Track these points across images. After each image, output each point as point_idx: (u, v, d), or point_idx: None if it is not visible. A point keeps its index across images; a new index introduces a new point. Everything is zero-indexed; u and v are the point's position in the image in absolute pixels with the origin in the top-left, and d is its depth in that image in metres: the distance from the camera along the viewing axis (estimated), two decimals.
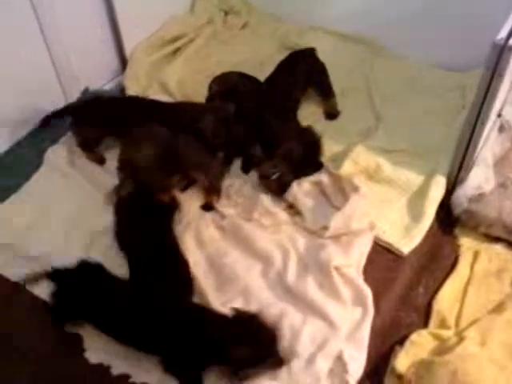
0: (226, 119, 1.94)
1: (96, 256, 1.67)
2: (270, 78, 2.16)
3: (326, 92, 2.19)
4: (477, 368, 1.42)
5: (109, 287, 1.52)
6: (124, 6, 2.26)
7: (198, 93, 2.23)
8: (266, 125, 1.98)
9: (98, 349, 1.53)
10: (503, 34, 1.49)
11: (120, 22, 2.29)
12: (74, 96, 2.25)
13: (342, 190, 1.84)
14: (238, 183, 1.91)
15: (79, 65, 2.22)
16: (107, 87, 2.36)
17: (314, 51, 2.21)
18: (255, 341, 1.37)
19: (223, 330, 1.39)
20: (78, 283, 1.52)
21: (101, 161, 2.03)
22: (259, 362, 1.39)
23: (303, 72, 2.14)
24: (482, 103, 1.62)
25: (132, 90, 2.29)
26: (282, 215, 1.81)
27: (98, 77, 2.33)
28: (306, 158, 1.88)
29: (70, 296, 1.52)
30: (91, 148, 2.03)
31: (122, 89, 2.33)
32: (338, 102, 2.21)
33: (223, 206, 1.84)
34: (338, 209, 1.80)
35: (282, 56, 2.24)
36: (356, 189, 1.83)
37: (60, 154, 2.04)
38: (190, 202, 1.87)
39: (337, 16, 2.50)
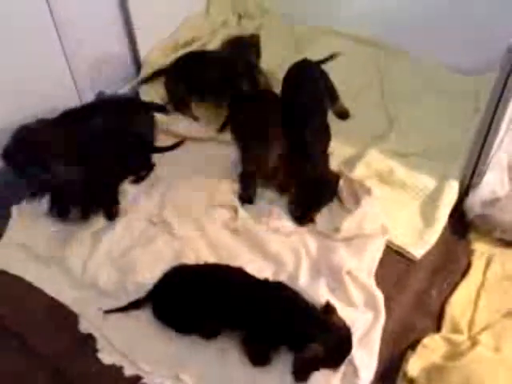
0: None
1: None
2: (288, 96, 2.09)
3: (333, 96, 2.18)
4: (490, 373, 1.41)
5: None
6: (138, 8, 2.27)
7: None
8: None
9: (111, 350, 1.55)
10: None
11: (135, 25, 2.30)
12: (88, 99, 2.28)
13: (355, 193, 1.84)
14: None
15: (95, 68, 2.25)
16: (122, 91, 2.37)
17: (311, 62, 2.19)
18: (334, 349, 1.40)
19: (311, 326, 1.41)
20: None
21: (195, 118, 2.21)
22: (322, 367, 1.42)
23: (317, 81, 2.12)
24: (496, 106, 1.61)
25: (146, 93, 2.32)
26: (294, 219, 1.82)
27: (113, 80, 2.36)
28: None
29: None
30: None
31: (137, 93, 2.35)
32: (351, 104, 2.20)
33: (235, 207, 1.85)
34: (349, 211, 1.80)
35: (297, 59, 2.24)
36: (368, 191, 1.83)
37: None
38: (197, 205, 1.88)
39: (350, 18, 2.50)
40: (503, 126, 1.74)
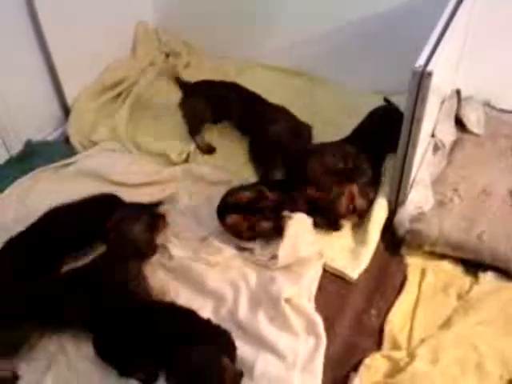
0: None
1: None
2: None
3: None
4: None
5: None
6: (62, 55, 2.27)
7: (146, 134, 2.30)
8: None
9: None
10: (421, 61, 1.58)
11: (59, 72, 2.30)
12: (16, 148, 2.24)
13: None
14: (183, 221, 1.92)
15: (20, 117, 2.22)
16: (51, 137, 2.35)
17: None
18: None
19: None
20: None
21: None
22: None
23: None
24: (411, 126, 1.69)
25: (76, 137, 2.30)
26: (231, 251, 1.82)
27: (41, 127, 2.33)
28: None
29: None
30: None
31: (66, 138, 2.33)
32: None
33: (171, 246, 1.83)
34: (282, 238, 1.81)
35: None
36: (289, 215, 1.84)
37: None
38: None
39: (273, 51, 2.58)
40: (422, 143, 1.82)
